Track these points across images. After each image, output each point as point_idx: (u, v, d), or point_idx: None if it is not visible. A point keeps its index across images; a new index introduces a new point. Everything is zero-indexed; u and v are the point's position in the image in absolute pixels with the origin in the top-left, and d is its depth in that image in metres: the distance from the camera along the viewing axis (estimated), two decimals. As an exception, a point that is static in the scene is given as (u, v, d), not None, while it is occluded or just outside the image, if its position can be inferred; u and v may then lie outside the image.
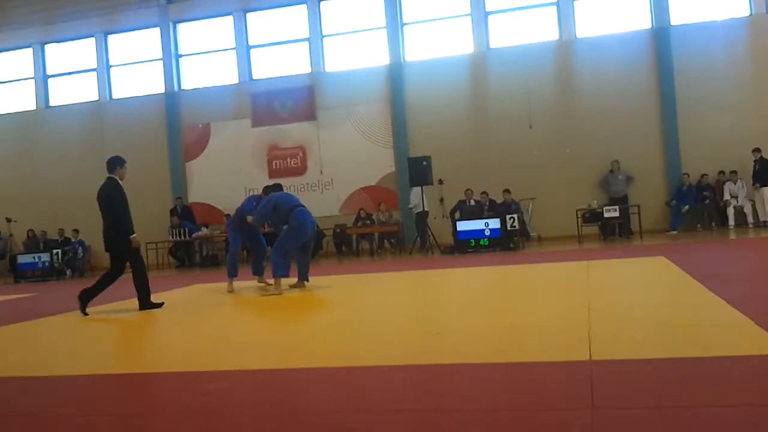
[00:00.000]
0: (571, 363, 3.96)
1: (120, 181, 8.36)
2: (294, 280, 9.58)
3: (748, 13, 16.74)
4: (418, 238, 16.17)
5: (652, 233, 15.91)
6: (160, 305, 8.39)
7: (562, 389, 3.48)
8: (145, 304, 8.35)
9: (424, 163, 15.58)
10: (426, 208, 16.00)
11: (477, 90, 18.11)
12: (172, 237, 18.40)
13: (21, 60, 21.71)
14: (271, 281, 9.44)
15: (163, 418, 3.55)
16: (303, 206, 9.42)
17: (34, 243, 19.74)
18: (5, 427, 3.36)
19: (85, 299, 8.23)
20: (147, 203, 19.56)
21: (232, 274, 10.08)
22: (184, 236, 18.26)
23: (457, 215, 15.87)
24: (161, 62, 20.33)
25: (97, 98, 20.95)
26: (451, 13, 18.45)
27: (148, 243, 18.02)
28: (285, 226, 9.23)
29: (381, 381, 3.99)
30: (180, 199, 19.23)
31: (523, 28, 18.05)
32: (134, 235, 8.24)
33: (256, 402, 3.78)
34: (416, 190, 15.90)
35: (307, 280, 9.59)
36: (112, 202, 8.21)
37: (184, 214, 18.83)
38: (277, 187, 10.02)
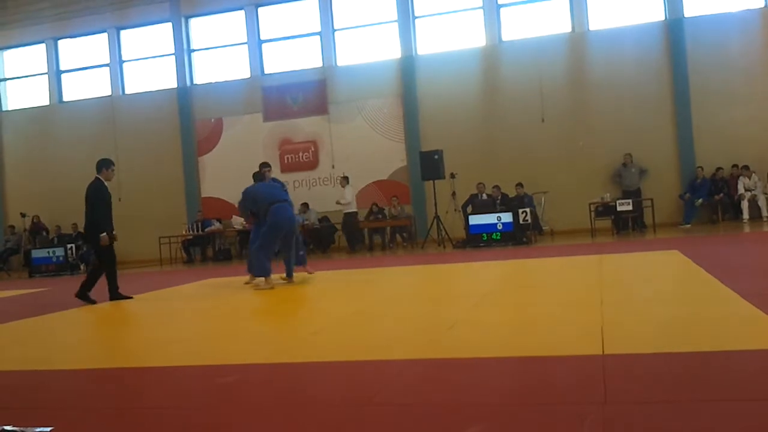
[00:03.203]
0: (584, 357, 3.95)
1: (105, 182, 8.95)
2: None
3: (762, 5, 16.57)
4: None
5: (665, 227, 15.82)
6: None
7: (575, 383, 3.47)
8: (114, 294, 9.02)
9: (436, 156, 15.59)
10: (355, 209, 16.60)
11: (489, 83, 18.04)
12: (192, 231, 18.50)
13: (34, 55, 21.81)
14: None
15: (176, 412, 3.57)
16: (281, 201, 9.27)
17: (38, 230, 20.06)
18: (20, 420, 3.38)
19: (85, 297, 8.84)
20: (160, 198, 19.71)
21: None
22: (200, 230, 18.35)
23: (469, 209, 15.84)
24: (173, 57, 20.37)
25: (109, 93, 21.02)
26: (463, 5, 18.37)
27: (162, 237, 18.17)
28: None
29: (391, 375, 3.99)
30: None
31: (536, 20, 17.95)
32: (104, 234, 8.78)
33: (265, 396, 3.79)
34: (350, 188, 16.32)
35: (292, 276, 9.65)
36: (91, 200, 8.87)
37: None
38: (259, 176, 9.80)
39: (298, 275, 9.99)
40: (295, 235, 9.43)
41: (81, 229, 9.75)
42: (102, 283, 8.98)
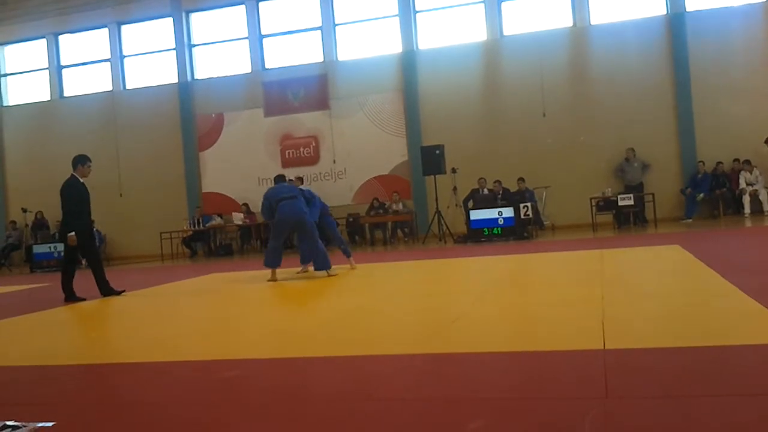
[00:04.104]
0: (585, 352, 3.95)
1: (81, 179, 8.97)
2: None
3: (764, -1, 16.56)
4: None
5: (666, 221, 15.82)
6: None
7: (576, 378, 3.46)
8: (106, 290, 8.90)
9: (437, 151, 15.58)
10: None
11: (490, 78, 18.01)
12: (193, 226, 18.52)
13: (35, 51, 21.79)
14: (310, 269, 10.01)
15: (176, 408, 3.57)
16: (288, 198, 9.49)
17: (41, 226, 20.04)
18: (22, 415, 3.38)
19: (70, 297, 8.74)
20: (161, 194, 19.70)
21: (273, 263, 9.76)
22: (200, 225, 18.37)
23: (471, 204, 15.83)
24: (174, 52, 20.36)
25: (110, 88, 21.01)
26: (464, 0, 18.34)
27: (163, 233, 18.17)
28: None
29: (393, 370, 3.98)
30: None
31: (537, 14, 17.92)
32: (72, 233, 8.67)
33: (265, 391, 3.79)
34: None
35: (318, 267, 9.63)
36: (64, 197, 8.89)
37: None
38: (279, 179, 10.25)
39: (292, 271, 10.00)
40: (307, 228, 9.52)
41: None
42: (83, 281, 9.03)
